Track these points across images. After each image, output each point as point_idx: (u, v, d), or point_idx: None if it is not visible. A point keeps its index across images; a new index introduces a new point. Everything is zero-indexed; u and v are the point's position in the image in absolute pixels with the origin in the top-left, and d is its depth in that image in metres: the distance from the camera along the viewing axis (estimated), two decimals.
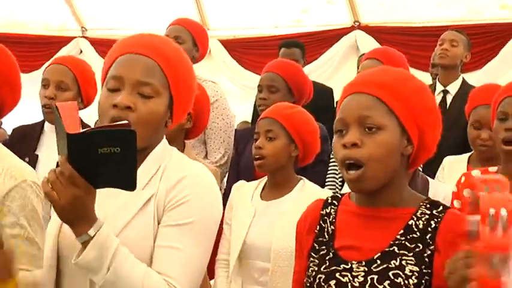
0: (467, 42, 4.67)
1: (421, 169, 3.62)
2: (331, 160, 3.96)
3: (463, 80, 4.61)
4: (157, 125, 1.87)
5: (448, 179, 3.50)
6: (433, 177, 3.59)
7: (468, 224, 1.48)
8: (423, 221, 1.78)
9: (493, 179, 1.48)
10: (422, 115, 1.81)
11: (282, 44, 5.66)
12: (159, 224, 1.82)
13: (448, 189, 3.06)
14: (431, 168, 3.77)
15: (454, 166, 3.50)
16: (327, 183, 4.01)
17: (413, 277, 1.72)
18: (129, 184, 1.64)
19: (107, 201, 1.80)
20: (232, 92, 7.56)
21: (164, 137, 1.94)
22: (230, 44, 8.04)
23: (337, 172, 4.04)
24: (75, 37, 8.66)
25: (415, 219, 1.79)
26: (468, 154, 3.56)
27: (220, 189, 3.67)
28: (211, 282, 3.20)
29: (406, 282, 1.71)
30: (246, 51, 8.00)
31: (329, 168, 3.99)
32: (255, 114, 4.65)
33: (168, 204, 1.82)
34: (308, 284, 1.84)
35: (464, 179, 2.84)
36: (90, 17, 8.67)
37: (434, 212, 1.79)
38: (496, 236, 1.42)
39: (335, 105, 5.10)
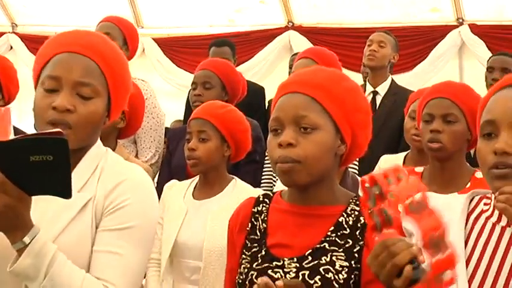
0: (394, 43, 4.77)
1: (357, 170, 3.67)
2: (266, 159, 3.98)
3: (392, 81, 4.68)
4: (97, 125, 1.84)
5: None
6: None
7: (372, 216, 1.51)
8: (353, 218, 1.81)
9: (392, 169, 1.52)
10: (356, 115, 1.84)
11: (213, 43, 5.67)
12: (97, 228, 1.79)
13: None
14: (363, 168, 3.81)
15: (390, 165, 3.54)
16: (263, 182, 4.02)
17: (343, 272, 1.75)
18: (64, 192, 1.62)
19: (44, 205, 1.75)
20: (166, 90, 7.53)
21: (99, 137, 1.91)
22: (164, 43, 7.98)
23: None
24: (5, 33, 8.48)
25: (345, 216, 1.82)
26: (404, 153, 3.61)
27: None
28: (143, 282, 3.17)
29: (336, 277, 1.75)
30: (180, 49, 7.96)
31: (264, 167, 4.01)
32: (187, 113, 4.63)
33: (106, 209, 1.79)
34: (240, 281, 1.85)
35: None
36: (20, 13, 8.49)
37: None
38: (427, 218, 1.44)
39: (266, 104, 5.14)
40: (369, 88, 4.63)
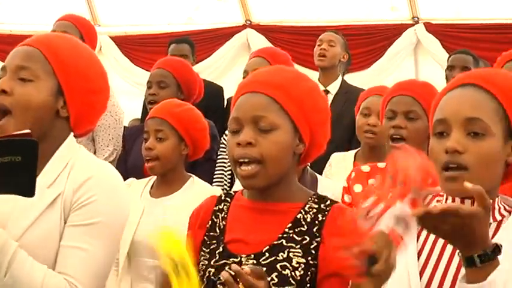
0: (343, 42, 4.85)
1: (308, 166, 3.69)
2: (219, 158, 3.99)
3: (343, 80, 4.73)
4: (38, 109, 1.85)
5: (335, 175, 3.57)
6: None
7: (361, 211, 1.53)
8: (311, 215, 1.82)
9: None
10: (314, 115, 1.86)
11: (172, 40, 5.66)
12: (65, 223, 1.81)
13: (336, 185, 3.13)
14: (318, 165, 3.84)
15: (340, 163, 3.58)
16: (215, 180, 4.03)
17: (299, 269, 1.76)
18: (27, 191, 1.64)
19: (13, 200, 1.76)
20: (123, 89, 7.47)
21: (71, 134, 1.93)
22: (121, 41, 7.94)
23: (225, 169, 4.07)
24: None
25: (303, 213, 1.83)
26: (354, 151, 3.63)
27: None
28: None
29: (293, 273, 1.76)
30: (137, 48, 7.93)
31: (217, 165, 4.02)
32: (144, 111, 4.62)
33: (74, 204, 1.81)
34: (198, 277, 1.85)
35: (354, 174, 2.92)
36: None
37: (321, 206, 1.84)
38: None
39: (225, 104, 5.15)
40: (320, 87, 4.66)
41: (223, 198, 1.95)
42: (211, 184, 3.73)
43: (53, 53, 1.88)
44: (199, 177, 3.14)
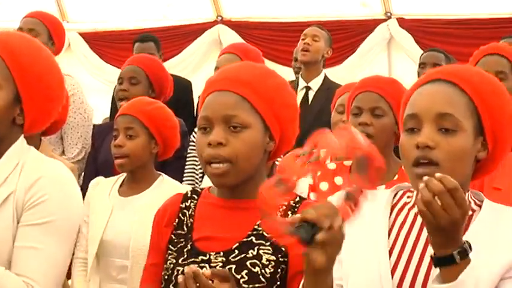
0: (328, 37, 4.83)
1: None
2: (189, 155, 3.98)
3: (325, 76, 4.73)
4: None
5: None
6: None
7: None
8: (280, 212, 1.82)
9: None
10: (284, 111, 1.86)
11: (136, 38, 5.64)
12: (18, 223, 1.80)
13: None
14: None
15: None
16: (185, 177, 4.03)
17: (269, 266, 1.77)
18: None
19: None
20: (93, 87, 7.44)
21: (22, 135, 1.92)
22: (91, 37, 7.90)
23: (196, 166, 4.06)
24: None
25: None
26: None
27: None
28: (69, 282, 3.15)
29: (263, 271, 1.76)
30: (107, 44, 7.89)
31: (187, 162, 4.01)
32: (113, 109, 4.60)
33: (26, 204, 1.81)
34: (166, 277, 1.85)
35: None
36: None
37: (291, 202, 1.84)
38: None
39: (195, 99, 5.13)
40: (302, 83, 4.67)
41: (189, 195, 1.94)
42: (181, 182, 3.73)
43: (14, 60, 1.86)
44: (169, 176, 3.13)
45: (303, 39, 4.75)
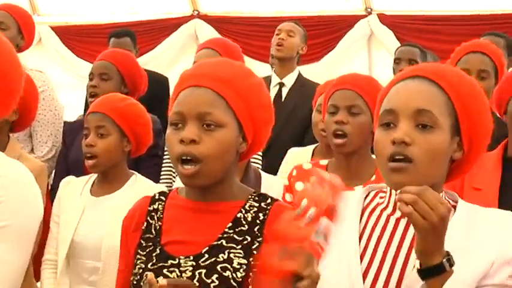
0: (303, 34, 4.82)
1: (260, 163, 3.70)
2: (165, 153, 3.96)
3: (299, 73, 4.73)
4: None
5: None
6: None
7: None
8: (251, 214, 1.82)
9: (302, 174, 1.56)
10: (259, 113, 1.85)
11: (112, 33, 5.60)
12: None
13: (280, 182, 3.14)
14: (269, 161, 3.86)
15: (298, 159, 3.59)
16: (162, 176, 4.01)
17: (241, 270, 1.76)
18: None
19: None
20: (65, 82, 7.41)
21: None
22: (62, 31, 7.85)
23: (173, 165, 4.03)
24: None
25: (244, 212, 1.83)
26: (312, 146, 3.64)
27: (48, 185, 3.59)
28: (38, 284, 3.12)
29: (234, 275, 1.75)
30: (80, 39, 7.85)
31: (164, 162, 3.99)
32: (87, 105, 4.57)
33: None
34: (135, 282, 1.84)
35: (295, 172, 2.92)
36: None
37: (262, 204, 1.84)
38: (295, 228, 1.48)
39: (170, 95, 5.11)
40: (275, 79, 4.66)
41: (157, 197, 1.93)
42: (157, 181, 3.71)
43: None
44: (143, 175, 3.11)
45: (277, 34, 4.75)
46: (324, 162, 2.91)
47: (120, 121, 3.00)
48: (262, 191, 2.98)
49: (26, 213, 1.79)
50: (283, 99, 4.56)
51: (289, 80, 4.65)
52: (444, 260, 1.52)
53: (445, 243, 1.54)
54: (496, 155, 2.81)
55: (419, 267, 1.56)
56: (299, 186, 2.86)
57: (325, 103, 2.87)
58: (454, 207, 1.72)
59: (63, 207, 3.04)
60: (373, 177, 2.76)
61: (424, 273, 1.55)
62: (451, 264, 1.53)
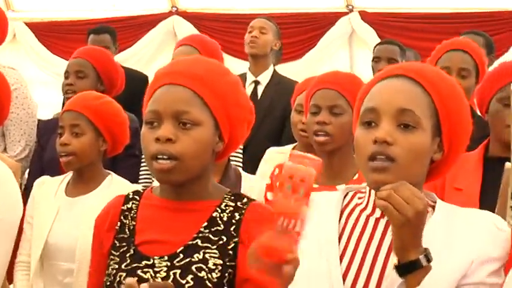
0: (276, 30, 4.82)
1: (241, 161, 3.69)
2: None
3: (274, 70, 4.73)
4: None
5: (271, 171, 3.57)
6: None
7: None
8: (227, 213, 1.83)
9: (302, 155, 1.56)
10: (236, 112, 1.86)
11: (91, 30, 5.58)
12: None
13: (261, 182, 3.13)
14: (246, 159, 3.85)
15: (276, 158, 3.59)
16: (141, 177, 4.00)
17: (216, 270, 1.76)
18: None
19: None
20: (41, 79, 7.38)
21: None
22: (38, 27, 7.81)
23: None
24: None
25: (219, 211, 1.83)
26: (291, 146, 3.64)
27: (21, 186, 3.57)
28: (11, 287, 3.10)
29: (209, 276, 1.75)
30: (55, 35, 7.81)
31: (143, 160, 3.98)
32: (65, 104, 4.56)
33: None
34: (108, 283, 1.83)
35: (277, 170, 2.91)
36: None
37: (238, 204, 1.84)
38: (287, 202, 1.48)
39: None
40: (250, 77, 4.66)
41: (131, 196, 1.92)
42: (134, 182, 3.70)
43: None
44: (120, 175, 3.10)
45: (250, 32, 4.75)
46: None
47: (96, 120, 2.99)
48: (243, 191, 2.98)
49: (3, 212, 1.79)
50: (259, 97, 4.56)
51: (265, 78, 4.65)
52: (421, 256, 1.53)
53: (424, 241, 1.56)
54: (477, 155, 2.83)
55: (397, 264, 1.57)
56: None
57: (306, 102, 2.87)
58: (433, 207, 1.73)
59: (37, 208, 3.02)
60: (356, 177, 2.76)
61: (402, 269, 1.56)
62: (429, 260, 1.54)
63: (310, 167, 1.51)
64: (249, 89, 4.54)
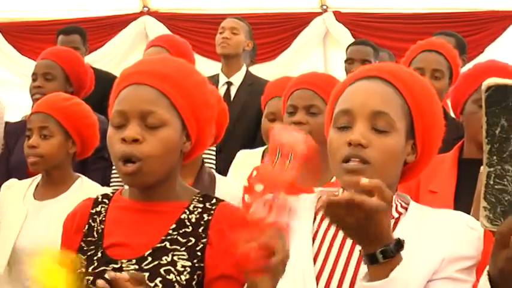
0: (248, 29, 4.80)
1: (214, 163, 3.68)
2: None
3: (247, 71, 4.72)
4: None
5: (242, 173, 3.57)
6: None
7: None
8: (196, 215, 1.83)
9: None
10: (203, 111, 1.87)
11: (60, 30, 5.55)
12: None
13: (236, 185, 3.13)
14: (227, 161, 3.85)
15: (247, 161, 3.59)
16: (113, 180, 3.97)
17: (185, 273, 1.77)
18: None
19: None
20: (9, 81, 7.33)
21: None
22: (6, 28, 7.75)
23: None
24: None
25: (188, 213, 1.84)
26: (262, 148, 3.65)
27: None
28: None
29: (178, 278, 1.76)
30: (24, 36, 7.75)
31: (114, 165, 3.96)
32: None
33: None
34: None
35: (255, 173, 2.91)
36: None
37: (207, 205, 1.85)
38: (280, 175, 1.49)
39: None
40: (223, 79, 4.65)
41: (100, 199, 1.93)
42: (104, 185, 3.68)
43: None
44: (90, 178, 3.10)
45: (220, 33, 4.72)
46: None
47: (65, 121, 2.97)
48: (217, 194, 2.97)
49: None
50: (232, 98, 4.55)
51: (237, 79, 4.64)
52: (378, 251, 1.49)
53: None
54: (451, 157, 2.84)
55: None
56: (259, 187, 2.86)
57: (284, 103, 2.88)
58: (406, 208, 1.75)
59: (5, 212, 3.01)
60: (334, 179, 2.76)
61: (365, 260, 1.53)
62: (387, 256, 1.49)
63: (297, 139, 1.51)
64: (221, 91, 4.54)
